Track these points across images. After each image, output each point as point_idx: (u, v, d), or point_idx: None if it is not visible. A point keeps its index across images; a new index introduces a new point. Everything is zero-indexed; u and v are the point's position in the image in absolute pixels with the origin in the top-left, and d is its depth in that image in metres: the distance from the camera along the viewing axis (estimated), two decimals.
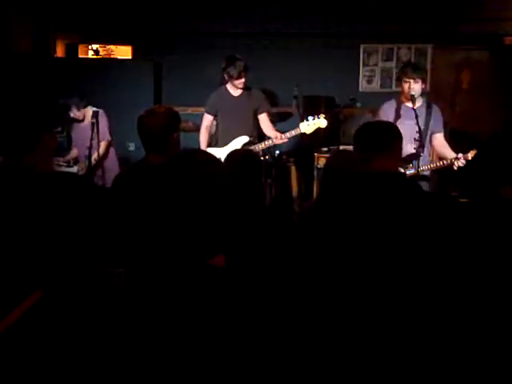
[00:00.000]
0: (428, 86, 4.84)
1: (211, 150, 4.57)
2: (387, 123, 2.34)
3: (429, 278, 1.85)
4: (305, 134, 4.50)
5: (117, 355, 2.24)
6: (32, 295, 1.99)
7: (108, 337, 2.23)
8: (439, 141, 4.09)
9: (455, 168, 3.89)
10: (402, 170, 3.79)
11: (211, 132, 4.77)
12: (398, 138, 2.18)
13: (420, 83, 4.00)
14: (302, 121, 4.50)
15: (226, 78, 4.49)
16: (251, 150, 3.84)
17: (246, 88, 4.56)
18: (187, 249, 2.46)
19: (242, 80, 4.46)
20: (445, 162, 3.97)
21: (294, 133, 4.50)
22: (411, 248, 1.85)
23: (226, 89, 4.59)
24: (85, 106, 4.67)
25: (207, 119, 4.67)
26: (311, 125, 4.45)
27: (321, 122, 4.46)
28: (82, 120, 4.72)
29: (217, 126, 4.74)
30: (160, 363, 2.28)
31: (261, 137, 4.72)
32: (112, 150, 4.81)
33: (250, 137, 4.56)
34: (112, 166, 4.74)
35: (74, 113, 4.68)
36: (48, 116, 2.34)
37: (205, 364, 2.28)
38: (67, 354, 2.05)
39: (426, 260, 1.85)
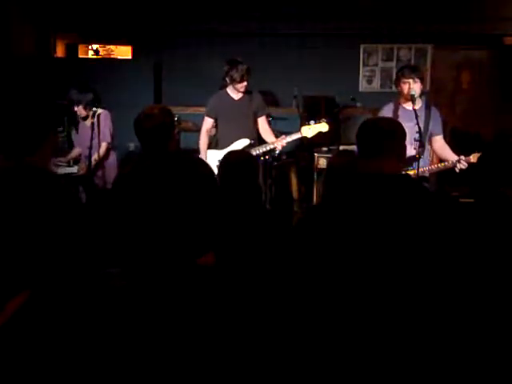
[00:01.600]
0: (427, 85, 4.84)
1: (211, 152, 4.57)
2: (390, 123, 2.20)
3: (437, 280, 1.84)
4: (306, 137, 4.48)
5: (111, 354, 2.24)
6: (20, 295, 2.00)
7: (101, 336, 2.23)
8: (439, 143, 4.08)
9: (457, 170, 3.88)
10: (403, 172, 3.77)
11: (211, 134, 4.76)
12: (401, 138, 2.11)
13: (419, 83, 3.99)
14: (302, 121, 4.48)
15: (228, 81, 4.47)
16: (248, 152, 3.84)
17: (246, 91, 4.55)
18: (177, 248, 2.47)
19: (245, 83, 4.44)
20: (446, 164, 3.96)
21: (294, 137, 4.47)
22: (417, 248, 1.84)
23: (227, 92, 4.57)
24: (92, 108, 4.55)
25: (208, 123, 4.64)
26: (312, 129, 4.43)
27: (322, 126, 4.44)
28: (85, 118, 4.68)
29: (217, 128, 4.72)
30: (153, 359, 2.28)
31: (260, 140, 4.70)
32: (112, 151, 4.79)
33: (251, 140, 4.54)
34: (111, 167, 4.73)
35: (80, 110, 4.58)
36: (51, 116, 2.34)
37: (198, 359, 2.28)
38: (59, 354, 2.05)
39: (434, 262, 1.84)
